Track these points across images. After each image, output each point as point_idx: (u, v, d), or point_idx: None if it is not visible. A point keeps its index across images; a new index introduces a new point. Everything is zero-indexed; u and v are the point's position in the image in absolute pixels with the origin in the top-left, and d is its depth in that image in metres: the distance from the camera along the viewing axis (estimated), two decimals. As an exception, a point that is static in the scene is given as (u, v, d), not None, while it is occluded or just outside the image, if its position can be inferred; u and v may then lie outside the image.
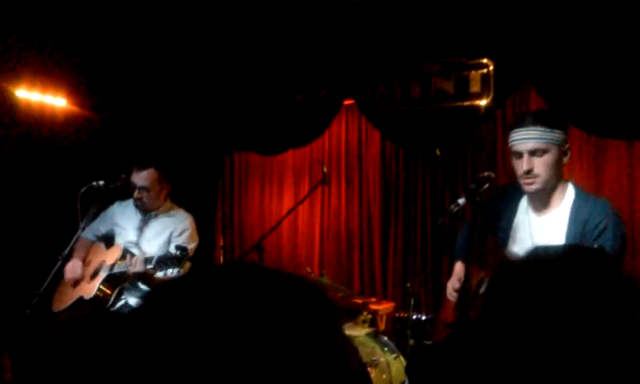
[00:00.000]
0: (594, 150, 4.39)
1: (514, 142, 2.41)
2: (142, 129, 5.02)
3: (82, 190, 3.54)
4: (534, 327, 0.93)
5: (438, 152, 4.64)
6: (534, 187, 2.38)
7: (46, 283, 3.37)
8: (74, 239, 3.49)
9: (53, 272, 3.42)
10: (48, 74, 4.69)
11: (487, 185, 2.45)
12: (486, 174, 2.46)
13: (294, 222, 5.54)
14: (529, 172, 2.34)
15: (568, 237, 2.32)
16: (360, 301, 4.69)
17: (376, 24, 4.61)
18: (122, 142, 4.80)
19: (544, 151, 2.34)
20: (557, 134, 2.35)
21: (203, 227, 4.18)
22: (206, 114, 5.34)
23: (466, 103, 4.59)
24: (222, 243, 5.02)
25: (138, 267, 3.32)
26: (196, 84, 5.27)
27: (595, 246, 2.22)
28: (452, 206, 2.44)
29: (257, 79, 5.20)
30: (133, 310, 0.76)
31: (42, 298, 3.36)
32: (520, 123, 2.42)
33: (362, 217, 5.36)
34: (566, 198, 2.41)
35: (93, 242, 3.83)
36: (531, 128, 2.37)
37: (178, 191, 3.96)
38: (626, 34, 3.92)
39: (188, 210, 3.87)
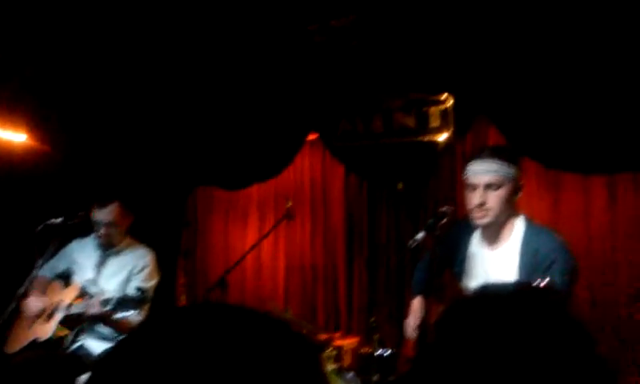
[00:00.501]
0: (552, 183, 4.48)
1: (469, 175, 2.43)
2: (103, 164, 4.95)
3: (39, 228, 3.45)
4: (478, 364, 0.92)
5: (399, 186, 4.68)
6: (484, 221, 2.40)
7: (0, 322, 3.26)
8: (30, 278, 3.39)
9: (7, 311, 3.31)
10: (8, 109, 4.60)
11: (446, 219, 2.47)
12: (444, 208, 2.48)
13: (257, 257, 5.49)
14: (481, 205, 2.37)
15: (520, 269, 2.35)
16: (325, 336, 4.65)
17: (338, 60, 4.67)
18: (82, 177, 4.72)
19: (499, 186, 2.37)
20: (512, 170, 2.39)
21: (165, 264, 4.10)
22: (169, 148, 5.29)
23: (427, 138, 4.66)
24: (182, 281, 4.93)
25: (95, 309, 3.24)
26: (159, 119, 5.24)
27: (546, 279, 2.25)
28: (411, 242, 2.44)
29: (220, 114, 5.19)
30: (100, 359, 0.74)
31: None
32: (477, 156, 2.45)
33: (327, 251, 5.34)
34: (516, 230, 2.44)
35: (50, 281, 3.73)
36: (488, 162, 2.39)
37: (139, 226, 3.89)
38: (580, 71, 4.04)
39: (150, 245, 3.81)
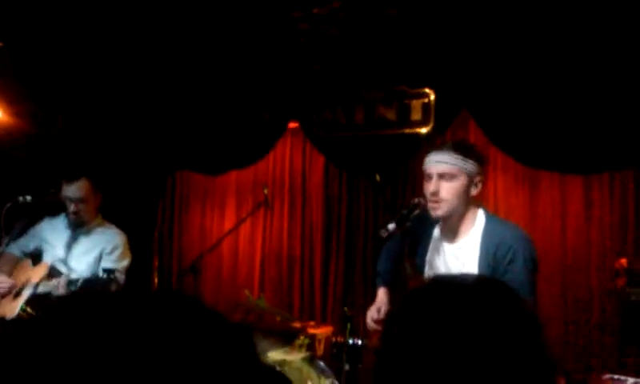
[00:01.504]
0: (529, 180, 4.47)
1: (426, 165, 2.43)
2: (80, 142, 4.86)
3: (8, 205, 3.37)
4: (429, 353, 0.89)
5: (377, 177, 4.64)
6: (438, 212, 2.38)
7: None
8: (-5, 255, 3.32)
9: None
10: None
11: (418, 210, 2.43)
12: (416, 200, 2.44)
13: (234, 244, 5.43)
14: (434, 194, 2.35)
15: (480, 263, 2.32)
16: (298, 324, 4.61)
17: (322, 49, 4.62)
18: (56, 154, 4.63)
19: (452, 176, 2.36)
20: (468, 164, 2.37)
21: (140, 246, 4.04)
22: (148, 131, 5.21)
23: (407, 130, 4.62)
24: (156, 264, 4.87)
25: (61, 290, 3.15)
26: (139, 101, 5.15)
27: (506, 274, 2.23)
28: (382, 231, 2.41)
29: (202, 98, 5.12)
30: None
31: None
32: (436, 148, 2.44)
33: (304, 240, 5.30)
34: (477, 225, 2.41)
35: (19, 259, 3.64)
36: (443, 153, 2.39)
37: (115, 208, 3.82)
38: (560, 71, 4.03)
39: (125, 227, 3.73)
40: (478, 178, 2.41)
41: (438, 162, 2.38)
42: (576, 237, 4.29)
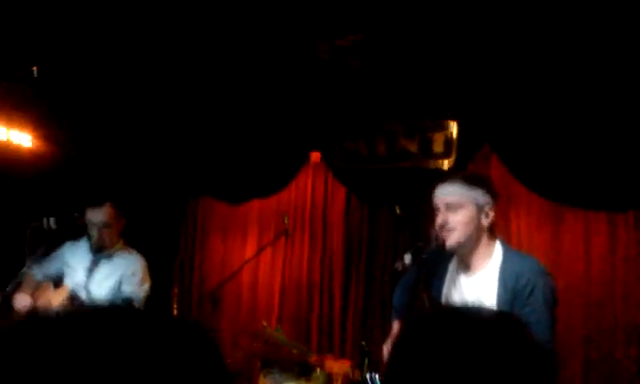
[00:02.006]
0: (552, 217, 4.40)
1: (434, 197, 2.42)
2: (104, 167, 4.94)
3: (32, 227, 3.42)
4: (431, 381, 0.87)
5: (398, 210, 4.60)
6: (449, 242, 2.35)
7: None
8: (18, 276, 3.35)
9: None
10: (14, 109, 4.62)
11: (435, 243, 2.40)
12: (433, 231, 2.42)
13: (254, 274, 5.42)
14: (443, 226, 2.33)
15: (499, 297, 2.27)
16: (316, 358, 4.56)
17: (344, 81, 4.65)
18: (82, 179, 4.70)
19: (459, 206, 2.33)
20: (475, 192, 2.35)
21: (160, 273, 4.05)
22: (173, 158, 5.28)
23: (429, 163, 4.60)
24: (176, 291, 4.88)
25: None
26: (166, 128, 5.23)
27: (525, 308, 2.18)
28: (397, 264, 2.38)
29: (225, 127, 5.17)
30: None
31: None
32: (441, 180, 2.44)
33: (324, 271, 5.26)
34: (494, 257, 2.37)
35: (41, 282, 3.68)
36: (449, 184, 2.38)
37: (137, 233, 3.85)
38: (586, 104, 3.98)
39: (147, 253, 3.76)
40: (487, 208, 2.37)
41: (445, 194, 2.37)
42: (600, 273, 4.19)
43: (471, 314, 0.99)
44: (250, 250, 5.42)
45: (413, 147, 4.65)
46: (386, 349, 2.63)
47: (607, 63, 3.84)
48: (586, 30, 3.62)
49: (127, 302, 3.16)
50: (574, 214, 4.27)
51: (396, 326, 2.69)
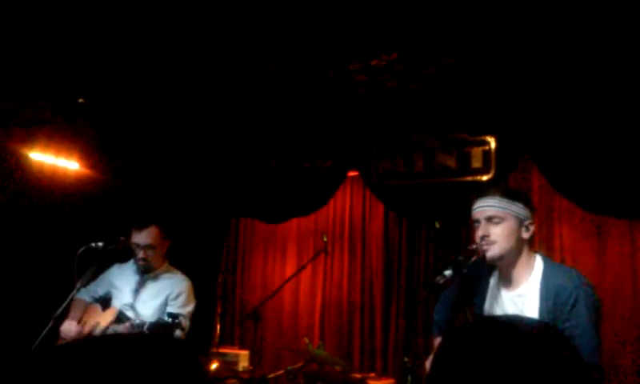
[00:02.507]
0: (596, 229, 4.31)
1: (474, 210, 2.42)
2: (150, 191, 5.07)
3: (81, 250, 3.52)
4: None
5: (437, 225, 4.59)
6: (490, 253, 2.33)
7: (38, 343, 3.31)
8: (68, 300, 3.44)
9: (45, 332, 3.36)
10: (62, 137, 4.80)
11: (475, 257, 2.39)
12: (474, 246, 2.41)
13: (295, 292, 5.46)
14: (484, 237, 2.33)
15: (541, 312, 2.24)
16: (359, 376, 4.55)
17: (381, 99, 4.67)
18: (129, 203, 4.84)
19: (501, 219, 2.33)
20: (516, 206, 2.34)
21: (204, 292, 4.11)
22: (214, 179, 5.38)
23: (468, 178, 4.57)
24: (219, 310, 4.94)
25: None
26: (207, 150, 5.34)
27: (568, 322, 2.15)
28: (438, 278, 2.37)
29: (264, 147, 5.26)
30: None
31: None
32: (481, 194, 2.43)
33: (364, 288, 5.26)
34: (535, 271, 2.35)
35: (89, 304, 3.78)
36: (490, 197, 2.38)
37: (180, 253, 3.93)
38: (626, 112, 3.91)
39: (190, 273, 3.82)
40: (528, 221, 2.37)
41: (485, 207, 2.37)
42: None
43: (512, 325, 0.99)
44: (289, 268, 5.47)
45: (451, 162, 4.63)
46: (428, 365, 2.62)
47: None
48: (631, 41, 3.57)
49: (173, 318, 3.20)
50: (619, 225, 4.18)
51: (437, 342, 2.67)
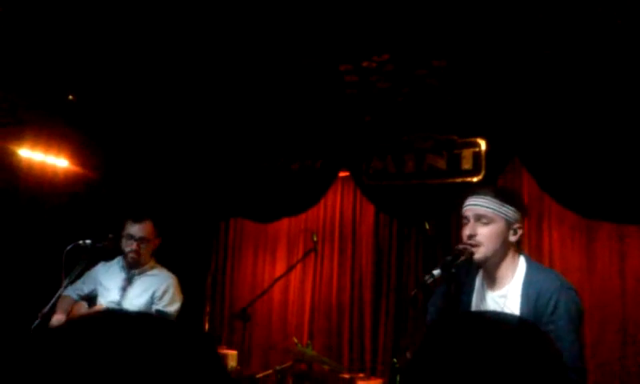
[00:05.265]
0: (585, 232, 4.30)
1: (465, 207, 2.38)
2: (138, 189, 5.03)
3: (68, 248, 3.47)
4: None
5: (426, 226, 4.57)
6: (476, 255, 2.31)
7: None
8: (55, 297, 3.40)
9: (32, 328, 3.32)
10: (52, 134, 4.75)
11: (464, 257, 2.37)
12: (462, 246, 2.38)
13: (284, 291, 5.42)
14: (471, 237, 2.30)
15: (522, 312, 2.22)
16: (347, 376, 4.53)
17: (372, 100, 4.66)
18: (118, 201, 4.80)
19: (489, 220, 2.30)
20: (506, 209, 2.31)
21: (192, 291, 4.08)
22: (203, 178, 5.34)
23: (458, 180, 4.56)
24: (208, 310, 4.90)
25: None
26: (196, 150, 5.31)
27: (549, 325, 2.13)
28: (427, 277, 2.34)
29: (255, 147, 5.22)
30: None
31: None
32: (474, 191, 2.40)
33: (354, 288, 5.23)
34: (518, 272, 2.33)
35: (75, 301, 3.74)
36: (481, 197, 2.34)
37: (170, 252, 3.90)
38: (616, 115, 3.91)
39: (179, 272, 3.79)
40: (517, 225, 2.34)
41: (476, 205, 2.33)
42: (636, 289, 4.07)
43: (490, 320, 0.98)
44: (279, 267, 5.43)
45: (441, 164, 4.61)
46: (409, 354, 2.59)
47: (636, 74, 3.77)
48: (621, 43, 3.57)
49: (160, 315, 3.18)
50: (608, 228, 4.18)
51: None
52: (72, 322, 0.72)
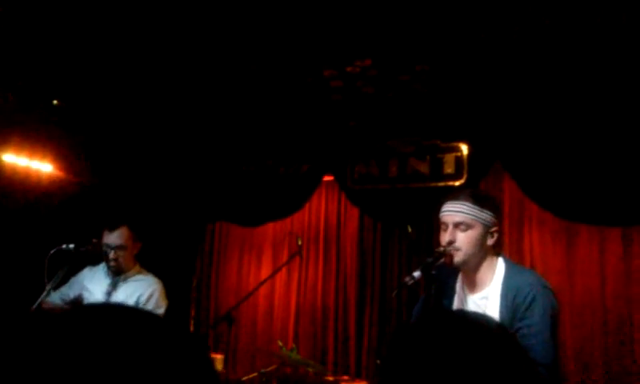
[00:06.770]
0: (566, 234, 4.35)
1: (442, 213, 2.37)
2: (123, 194, 5.00)
3: (51, 252, 3.45)
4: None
5: (409, 229, 4.59)
6: (455, 260, 2.32)
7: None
8: (38, 302, 3.37)
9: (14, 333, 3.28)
10: (35, 140, 4.71)
11: (443, 259, 2.38)
12: (442, 248, 2.39)
13: (270, 294, 5.41)
14: (450, 243, 2.30)
15: (501, 313, 2.24)
16: (332, 378, 4.52)
17: (356, 105, 4.68)
18: (103, 205, 4.76)
19: (468, 226, 2.29)
20: (485, 214, 2.31)
21: (178, 295, 4.06)
22: (189, 183, 5.33)
23: (441, 184, 4.59)
24: (193, 313, 4.88)
25: None
26: (181, 154, 5.29)
27: (524, 321, 2.15)
28: (407, 279, 2.35)
29: (240, 152, 5.22)
30: None
31: None
32: (452, 197, 2.40)
33: (339, 291, 5.24)
34: (497, 274, 2.34)
35: (60, 307, 3.71)
36: (459, 202, 2.32)
37: (155, 256, 3.88)
38: (597, 120, 3.95)
39: (164, 276, 3.77)
40: (494, 229, 2.34)
41: (454, 212, 2.31)
42: (616, 291, 4.12)
43: (459, 319, 0.99)
44: (265, 271, 5.42)
45: (424, 168, 4.65)
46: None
47: (617, 78, 3.82)
48: (599, 48, 3.61)
49: None
50: (589, 231, 4.22)
51: None
52: (63, 313, 0.70)
